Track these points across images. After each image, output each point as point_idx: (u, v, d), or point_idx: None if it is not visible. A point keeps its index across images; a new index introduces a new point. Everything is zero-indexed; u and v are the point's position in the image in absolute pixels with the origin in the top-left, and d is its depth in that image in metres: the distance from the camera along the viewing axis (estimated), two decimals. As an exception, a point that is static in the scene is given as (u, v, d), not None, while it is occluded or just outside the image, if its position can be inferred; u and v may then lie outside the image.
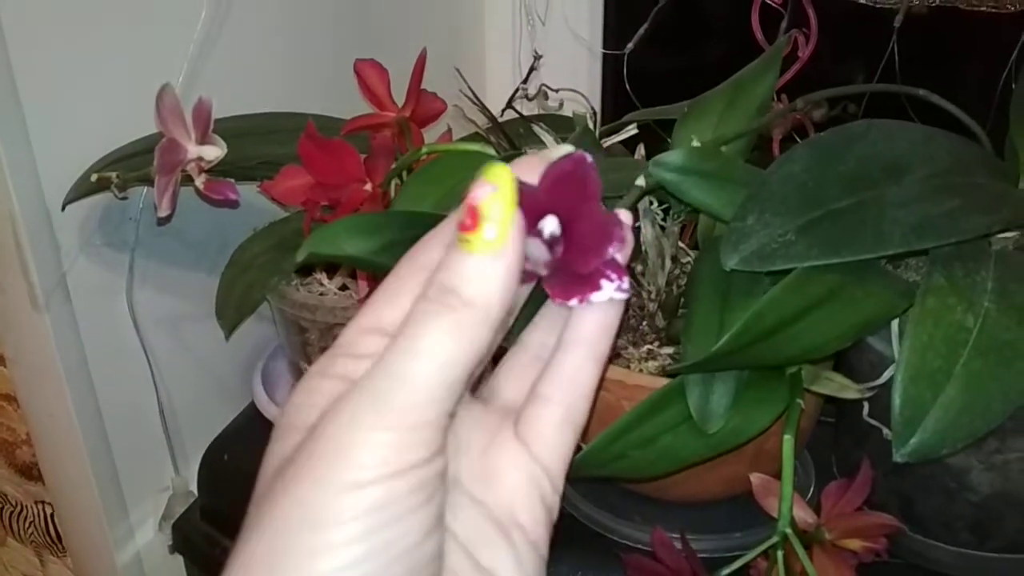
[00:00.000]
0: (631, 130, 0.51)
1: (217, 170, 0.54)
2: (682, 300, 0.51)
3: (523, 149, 0.52)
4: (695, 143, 0.43)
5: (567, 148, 0.25)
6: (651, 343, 0.50)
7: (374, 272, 0.46)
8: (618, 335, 0.54)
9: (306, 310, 0.58)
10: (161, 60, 0.62)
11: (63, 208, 0.56)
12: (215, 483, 0.66)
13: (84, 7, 0.57)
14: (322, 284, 0.59)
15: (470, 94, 0.56)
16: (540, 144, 0.55)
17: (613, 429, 0.39)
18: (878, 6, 0.96)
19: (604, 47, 1.02)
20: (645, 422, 0.40)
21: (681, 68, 1.07)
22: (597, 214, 0.25)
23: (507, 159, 0.45)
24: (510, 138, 0.52)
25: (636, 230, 0.50)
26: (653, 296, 0.52)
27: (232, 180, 0.48)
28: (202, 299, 0.69)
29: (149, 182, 0.49)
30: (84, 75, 0.58)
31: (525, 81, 0.57)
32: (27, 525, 0.76)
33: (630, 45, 0.96)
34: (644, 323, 0.52)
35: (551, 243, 0.24)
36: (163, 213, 0.47)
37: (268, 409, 0.63)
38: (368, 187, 0.49)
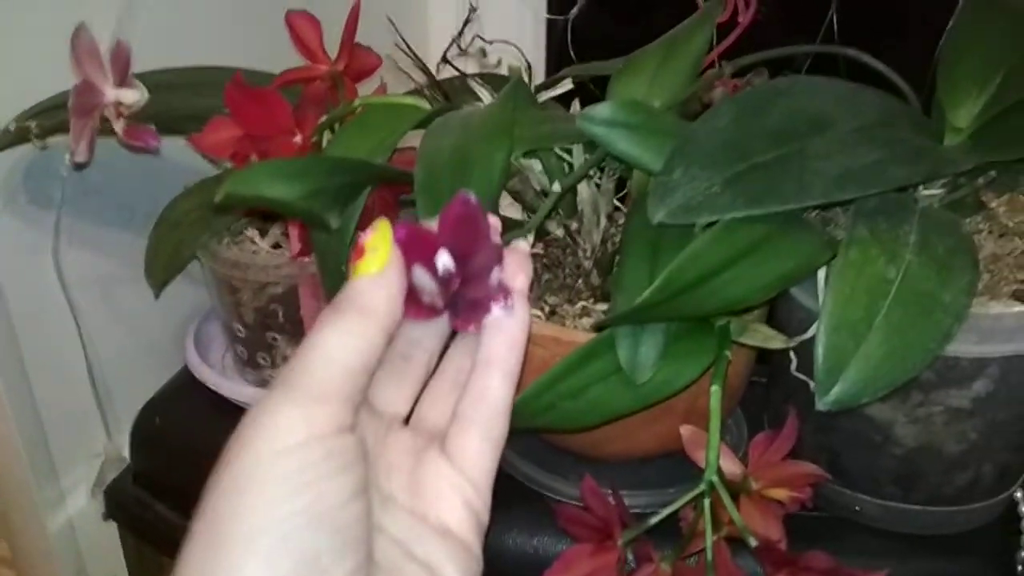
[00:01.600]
0: (566, 84, 0.50)
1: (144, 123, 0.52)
2: (616, 258, 0.51)
3: (459, 104, 0.51)
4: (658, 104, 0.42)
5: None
6: (586, 300, 0.50)
7: (299, 217, 0.45)
8: (554, 292, 0.54)
9: (237, 269, 0.57)
10: (88, 12, 0.60)
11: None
12: (147, 447, 0.65)
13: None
14: (254, 243, 0.58)
15: (406, 47, 0.55)
16: (476, 99, 0.54)
17: (543, 379, 0.39)
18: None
19: (548, 12, 1.01)
20: (575, 373, 0.40)
21: (626, 35, 1.06)
22: (487, 247, 0.28)
23: (438, 112, 0.44)
24: (445, 93, 0.52)
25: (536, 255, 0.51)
26: (588, 254, 0.52)
27: (152, 126, 0.47)
28: (132, 260, 0.67)
29: (65, 130, 0.47)
30: (5, 24, 0.56)
31: (460, 34, 0.56)
32: (-49, 494, 0.74)
33: (575, 10, 0.95)
34: (580, 280, 0.52)
35: (447, 277, 0.28)
36: (80, 158, 0.45)
37: (200, 371, 0.62)
38: (298, 139, 0.48)
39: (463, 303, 0.29)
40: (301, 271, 0.56)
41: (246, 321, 0.60)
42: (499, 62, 0.61)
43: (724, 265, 0.36)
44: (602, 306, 0.49)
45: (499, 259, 0.29)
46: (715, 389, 0.39)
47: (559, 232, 0.55)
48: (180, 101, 0.54)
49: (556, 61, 1.05)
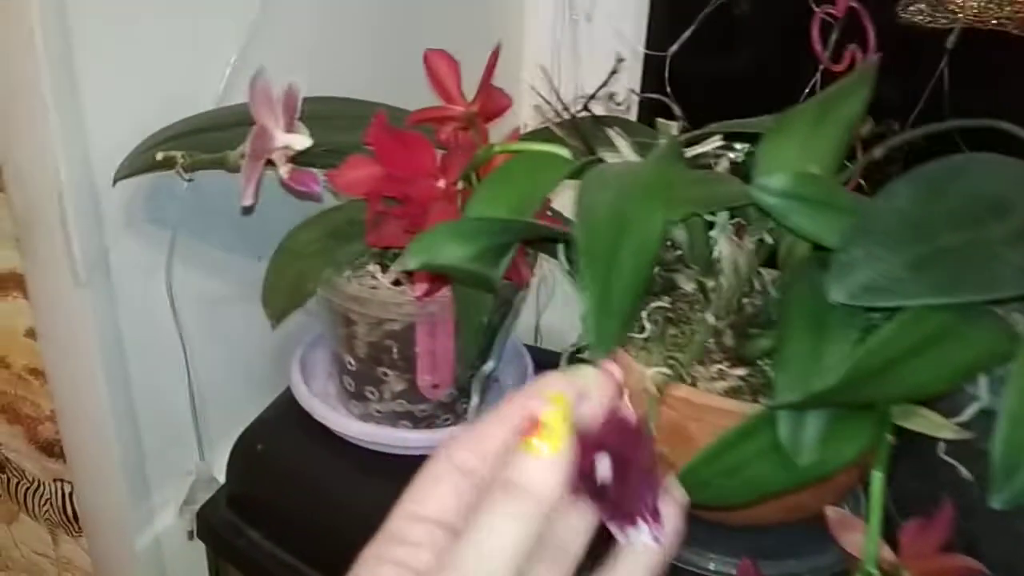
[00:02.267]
0: (714, 141, 0.49)
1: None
2: (755, 320, 0.50)
3: (597, 152, 0.50)
4: (814, 170, 0.41)
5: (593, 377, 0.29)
6: (720, 362, 0.49)
7: (469, 282, 0.44)
8: (681, 349, 0.53)
9: (356, 303, 0.57)
10: (216, 36, 0.61)
11: (114, 183, 0.55)
12: (246, 473, 0.65)
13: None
14: (375, 278, 0.58)
15: (542, 91, 0.54)
16: (611, 147, 0.53)
17: (701, 457, 0.38)
18: (929, 25, 0.95)
19: (647, 47, 1.00)
20: (732, 450, 0.38)
21: (721, 73, 1.05)
22: (644, 463, 0.28)
23: (585, 166, 0.43)
24: (585, 139, 0.51)
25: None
26: (723, 314, 0.50)
27: (315, 171, 0.46)
28: (240, 281, 0.67)
29: (219, 166, 0.47)
30: (140, 48, 0.56)
31: (605, 84, 0.55)
32: (43, 502, 0.75)
33: (674, 47, 0.94)
34: (712, 340, 0.51)
35: (602, 482, 0.27)
36: (247, 202, 0.45)
37: (309, 403, 0.62)
38: (441, 183, 0.47)
39: (614, 504, 0.28)
40: (420, 310, 0.56)
41: (358, 354, 0.59)
42: (628, 107, 0.60)
43: (910, 353, 0.35)
44: (739, 371, 0.48)
45: (655, 489, 0.28)
46: (878, 475, 0.38)
47: (689, 287, 0.54)
48: (314, 133, 0.54)
49: (651, 101, 1.04)
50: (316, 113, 0.58)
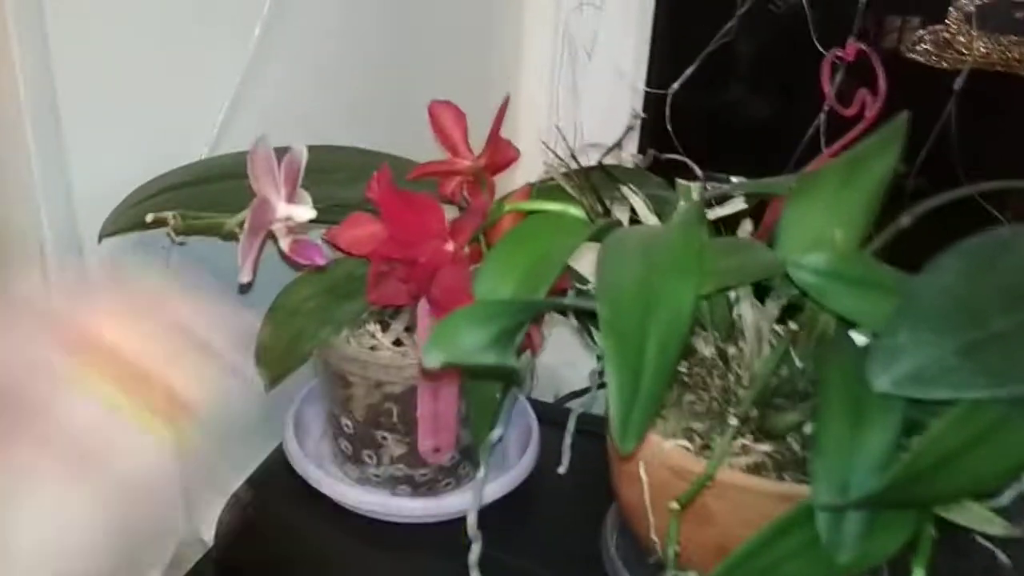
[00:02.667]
0: (737, 204, 0.47)
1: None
2: (781, 390, 0.47)
3: (612, 214, 0.48)
4: (838, 236, 0.39)
5: None
6: (744, 435, 0.46)
7: (487, 374, 0.41)
8: (698, 418, 0.51)
9: (355, 364, 0.54)
10: (209, 82, 0.58)
11: (100, 240, 0.51)
12: (236, 537, 0.61)
13: (132, 26, 0.52)
14: (374, 337, 0.55)
15: (552, 148, 0.52)
16: (623, 202, 0.51)
17: (736, 557, 0.35)
18: (936, 66, 0.93)
19: (647, 85, 0.98)
20: (768, 549, 0.36)
21: (722, 111, 1.04)
22: None
23: (604, 229, 0.40)
24: (600, 196, 0.48)
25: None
26: (746, 382, 0.48)
27: (319, 243, 0.44)
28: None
29: (214, 233, 0.44)
30: (128, 94, 0.53)
31: (619, 144, 0.53)
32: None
33: (676, 84, 0.93)
34: (731, 410, 0.49)
35: None
36: (245, 278, 0.42)
37: (303, 466, 0.58)
38: (450, 247, 0.45)
39: None
40: (423, 373, 0.53)
41: (356, 417, 0.56)
42: (647, 158, 0.57)
43: (962, 451, 0.32)
44: (764, 446, 0.46)
45: None
46: (919, 573, 0.35)
47: (707, 352, 0.51)
48: (311, 189, 0.51)
49: (651, 133, 1.02)
50: (314, 164, 0.55)
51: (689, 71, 0.92)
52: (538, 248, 0.44)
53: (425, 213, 0.44)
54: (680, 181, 0.45)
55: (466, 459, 0.59)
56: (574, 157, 0.50)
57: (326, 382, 0.57)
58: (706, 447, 0.46)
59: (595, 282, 0.38)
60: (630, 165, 0.62)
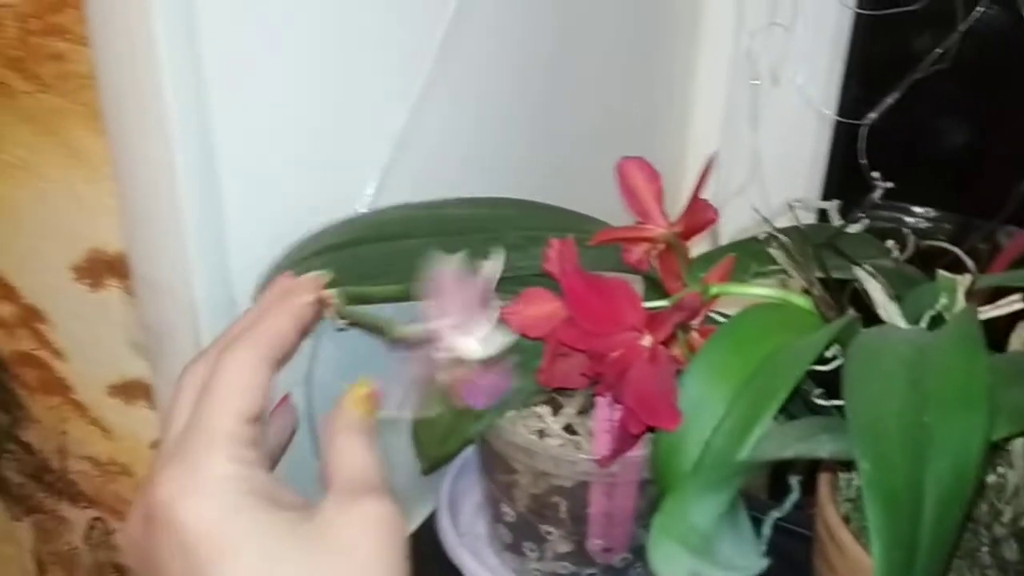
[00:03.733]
0: (1013, 302, 0.37)
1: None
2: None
3: (844, 303, 0.39)
4: None
5: None
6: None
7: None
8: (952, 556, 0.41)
9: (521, 452, 0.48)
10: (369, 131, 0.53)
11: (254, 299, 0.47)
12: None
13: (292, 66, 0.48)
14: (543, 420, 0.48)
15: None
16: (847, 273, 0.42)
17: None
18: None
19: (839, 114, 0.88)
20: None
21: (925, 145, 0.92)
22: None
23: (846, 329, 0.32)
24: (828, 275, 0.40)
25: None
26: (1007, 519, 0.38)
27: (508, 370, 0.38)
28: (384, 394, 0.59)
29: (377, 332, 0.39)
30: (284, 146, 0.49)
31: (870, 207, 0.44)
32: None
33: (872, 115, 0.82)
34: (984, 548, 0.39)
35: None
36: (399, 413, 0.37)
37: (457, 554, 0.53)
38: (647, 341, 0.37)
39: None
40: (598, 469, 0.46)
41: (518, 506, 0.50)
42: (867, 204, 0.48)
43: None
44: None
45: None
46: None
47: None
48: (483, 251, 0.45)
49: (839, 173, 0.92)
50: (486, 222, 0.50)
51: (890, 100, 0.81)
52: (759, 348, 0.36)
53: (617, 300, 0.37)
54: (943, 274, 0.36)
55: (639, 559, 0.51)
56: (797, 243, 0.41)
57: (487, 462, 0.51)
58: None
59: (846, 412, 0.30)
60: (836, 220, 0.53)
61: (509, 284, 0.44)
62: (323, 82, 0.50)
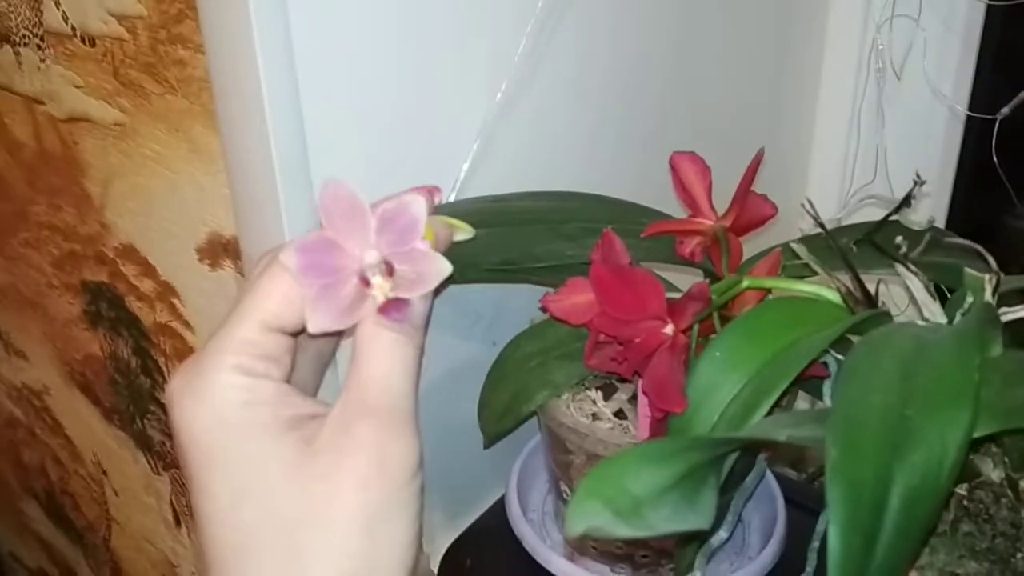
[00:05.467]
0: (1042, 305, 0.36)
1: (499, 269, 0.47)
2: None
3: (880, 301, 0.39)
4: None
5: None
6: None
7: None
8: (976, 557, 0.40)
9: (573, 433, 0.50)
10: (456, 125, 0.57)
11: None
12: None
13: (381, 73, 0.52)
14: (595, 404, 0.50)
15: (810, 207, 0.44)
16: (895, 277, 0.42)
17: None
18: None
19: (970, 109, 0.83)
20: None
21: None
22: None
23: (868, 322, 0.32)
24: (854, 271, 0.40)
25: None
26: (1045, 529, 0.37)
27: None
28: (463, 372, 0.63)
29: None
30: (373, 145, 0.54)
31: (901, 206, 0.44)
32: None
33: (1005, 109, 0.77)
34: (1020, 555, 0.38)
35: None
36: (312, 329, 0.34)
37: (520, 529, 0.56)
38: (668, 329, 0.39)
39: None
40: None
41: (575, 485, 0.52)
42: (909, 202, 0.46)
43: None
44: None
45: None
46: None
47: (995, 476, 0.41)
48: (541, 244, 0.48)
49: (970, 169, 0.87)
50: (548, 214, 0.52)
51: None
52: (778, 340, 0.37)
53: (642, 292, 0.39)
54: (970, 272, 0.36)
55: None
56: (827, 232, 0.41)
57: (548, 445, 0.54)
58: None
59: (830, 403, 0.31)
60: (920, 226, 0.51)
61: (559, 273, 0.47)
62: (409, 81, 0.54)
